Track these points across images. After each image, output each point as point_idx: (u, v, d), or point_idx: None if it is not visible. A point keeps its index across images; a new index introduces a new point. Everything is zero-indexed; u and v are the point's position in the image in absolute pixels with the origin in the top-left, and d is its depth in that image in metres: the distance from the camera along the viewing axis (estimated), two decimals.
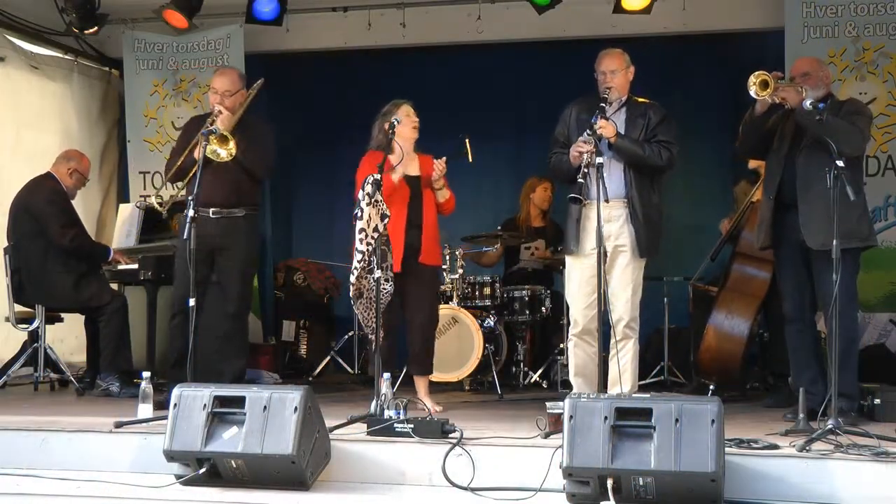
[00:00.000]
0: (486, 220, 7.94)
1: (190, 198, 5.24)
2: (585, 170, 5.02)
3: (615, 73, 5.34)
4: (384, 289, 5.40)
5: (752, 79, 5.11)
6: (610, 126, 5.19)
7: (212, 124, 5.70)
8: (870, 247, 5.37)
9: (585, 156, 5.05)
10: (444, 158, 5.84)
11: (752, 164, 6.42)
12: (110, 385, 6.56)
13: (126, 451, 4.70)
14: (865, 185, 5.49)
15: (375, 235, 5.34)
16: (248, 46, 8.19)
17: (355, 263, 5.42)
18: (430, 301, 6.04)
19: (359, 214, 5.52)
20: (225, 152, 5.59)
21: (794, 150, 5.28)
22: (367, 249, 5.30)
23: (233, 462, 4.28)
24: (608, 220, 5.21)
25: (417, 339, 5.95)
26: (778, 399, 6.01)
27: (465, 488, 4.27)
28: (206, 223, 5.57)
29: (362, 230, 5.43)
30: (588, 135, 5.10)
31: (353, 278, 5.41)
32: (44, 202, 6.76)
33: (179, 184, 6.03)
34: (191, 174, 5.76)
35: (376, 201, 5.30)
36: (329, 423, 4.55)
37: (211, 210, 5.74)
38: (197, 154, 5.66)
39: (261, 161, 5.94)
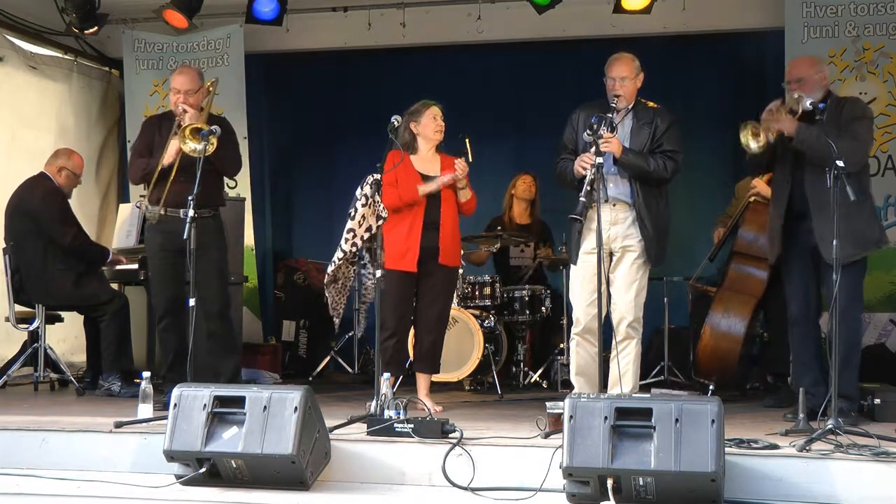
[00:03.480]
0: (486, 219, 7.95)
1: (190, 198, 5.22)
2: (588, 187, 4.93)
3: (624, 80, 5.24)
4: (371, 284, 5.46)
5: (742, 138, 5.12)
6: (615, 144, 5.13)
7: (179, 126, 5.66)
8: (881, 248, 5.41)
9: (589, 172, 5.00)
10: (464, 158, 5.85)
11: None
12: (112, 385, 6.57)
13: (126, 451, 4.69)
14: None
15: (367, 236, 5.37)
16: (248, 46, 8.20)
17: (335, 258, 5.53)
18: (444, 300, 6.01)
19: (351, 214, 5.55)
20: (202, 146, 5.51)
21: (799, 163, 5.24)
22: (351, 251, 5.41)
23: (233, 462, 4.28)
24: (614, 222, 5.21)
25: (427, 336, 5.93)
26: (778, 399, 6.01)
27: (465, 488, 4.27)
28: (178, 224, 5.54)
29: (350, 230, 5.49)
30: (588, 135, 5.05)
31: (330, 269, 5.56)
32: (40, 202, 6.76)
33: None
34: (173, 174, 5.74)
35: (374, 202, 5.31)
36: (329, 423, 4.55)
37: (181, 211, 5.62)
38: (173, 155, 5.67)
39: (233, 158, 5.96)
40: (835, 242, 4.60)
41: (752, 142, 5.11)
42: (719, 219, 7.00)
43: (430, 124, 5.86)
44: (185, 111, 5.73)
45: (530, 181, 7.98)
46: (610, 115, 5.16)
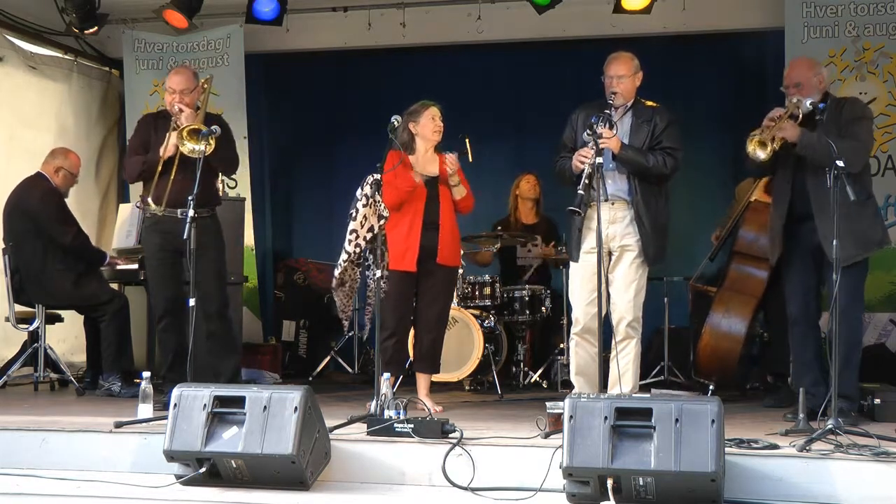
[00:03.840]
0: (487, 219, 7.95)
1: (190, 198, 5.22)
2: (586, 180, 4.94)
3: (622, 78, 5.26)
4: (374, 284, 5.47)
5: (749, 150, 5.12)
6: (613, 140, 5.14)
7: (176, 126, 5.66)
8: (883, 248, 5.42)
9: (587, 166, 5.00)
10: (455, 154, 5.84)
11: None
12: (112, 385, 6.57)
13: (126, 451, 4.70)
14: None
15: (369, 236, 5.36)
16: (248, 46, 8.20)
17: (340, 261, 5.54)
18: (443, 300, 6.00)
19: (353, 214, 5.56)
20: (202, 147, 5.49)
21: (800, 164, 5.25)
22: (355, 251, 5.40)
23: (233, 462, 4.28)
24: (612, 221, 5.21)
25: (427, 336, 5.93)
26: (778, 399, 6.01)
27: (465, 488, 4.27)
28: (176, 224, 5.55)
29: (353, 231, 5.50)
30: (588, 135, 5.06)
31: (336, 272, 5.62)
32: (38, 202, 6.75)
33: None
34: (173, 174, 5.73)
35: (375, 202, 5.31)
36: (329, 423, 4.55)
37: (179, 211, 5.64)
38: (168, 152, 5.67)
39: (231, 158, 5.97)
40: (834, 242, 4.60)
41: (759, 152, 5.11)
42: (720, 220, 7.00)
43: (428, 125, 5.85)
44: (181, 111, 5.72)
45: (533, 180, 7.98)
46: (608, 112, 5.17)
